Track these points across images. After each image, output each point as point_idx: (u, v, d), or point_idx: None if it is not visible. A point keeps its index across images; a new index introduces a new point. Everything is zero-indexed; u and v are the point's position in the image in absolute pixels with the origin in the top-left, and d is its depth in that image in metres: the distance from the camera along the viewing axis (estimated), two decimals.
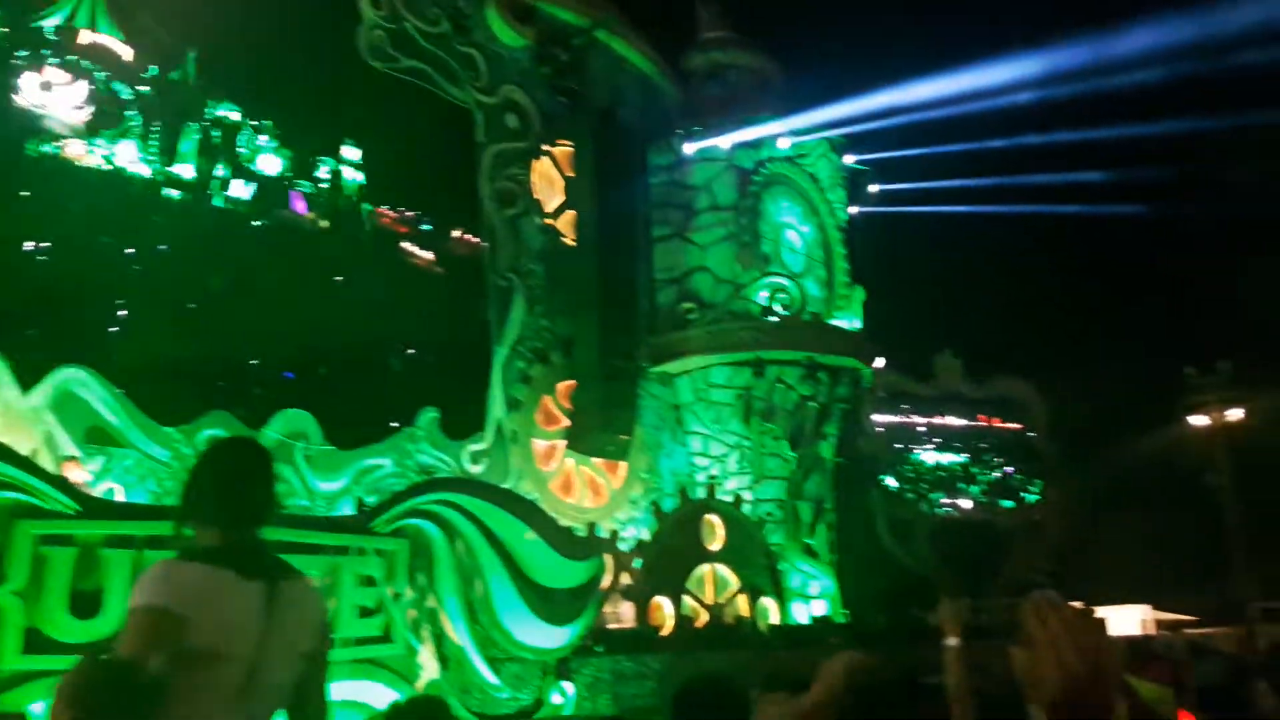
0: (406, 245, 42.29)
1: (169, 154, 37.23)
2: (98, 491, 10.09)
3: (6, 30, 33.79)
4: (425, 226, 43.33)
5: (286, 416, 12.85)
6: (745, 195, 19.65)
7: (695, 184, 19.96)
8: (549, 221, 17.72)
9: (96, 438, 10.87)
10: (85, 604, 7.07)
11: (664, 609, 14.72)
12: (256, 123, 40.97)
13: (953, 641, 2.76)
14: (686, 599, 14.93)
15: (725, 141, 19.94)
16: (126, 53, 38.13)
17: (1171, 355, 26.51)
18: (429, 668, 9.22)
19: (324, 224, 40.22)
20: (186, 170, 37.23)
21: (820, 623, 16.20)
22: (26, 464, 7.42)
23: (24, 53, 33.97)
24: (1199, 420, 26.34)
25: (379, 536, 9.26)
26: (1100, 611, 21.11)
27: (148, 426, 11.30)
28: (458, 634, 9.55)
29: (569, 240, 17.84)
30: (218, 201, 37.04)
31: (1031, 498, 20.15)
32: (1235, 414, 25.75)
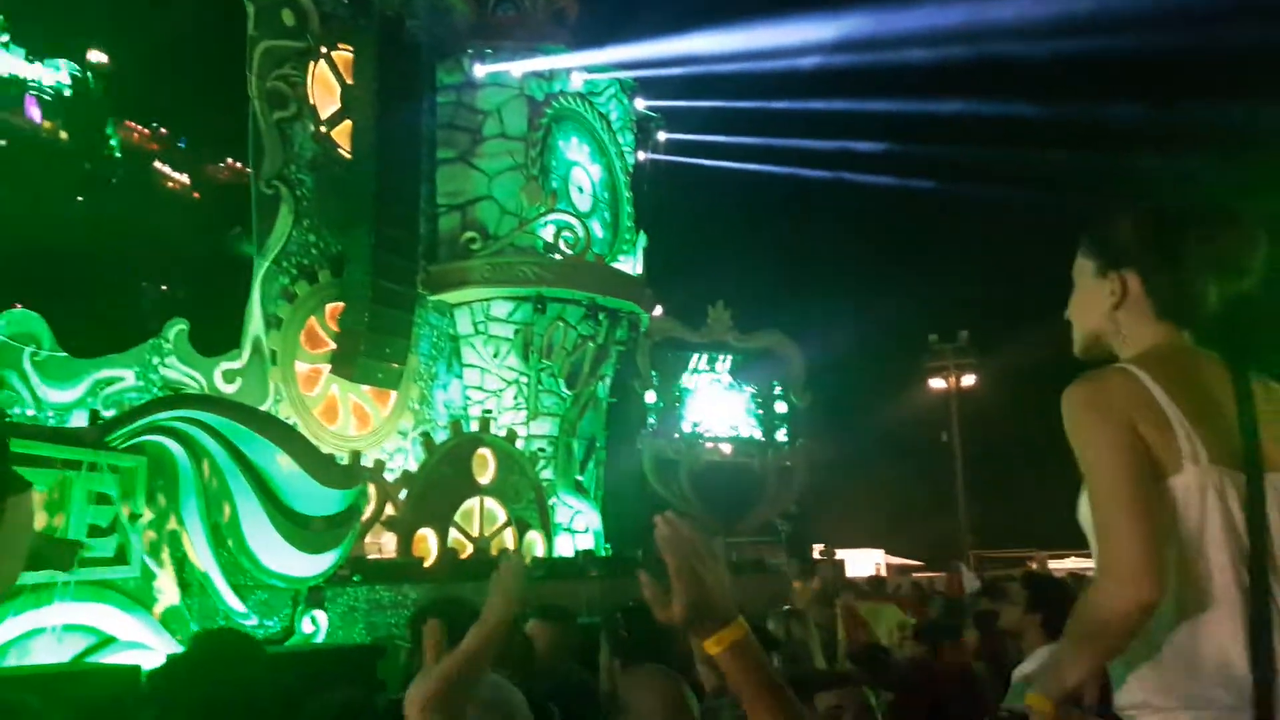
0: (159, 165, 38.45)
1: None
2: None
3: None
4: (181, 144, 39.47)
5: (12, 317, 11.45)
6: (535, 127, 19.26)
7: (484, 109, 19.36)
8: (323, 130, 16.69)
9: None
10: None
11: (428, 540, 14.44)
12: None
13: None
14: (452, 531, 14.72)
15: (517, 69, 19.42)
16: None
17: (922, 323, 28.84)
18: (168, 593, 8.58)
19: (63, 135, 35.78)
20: None
21: (584, 556, 16.45)
22: None
23: None
24: (937, 383, 28.91)
25: (114, 452, 8.45)
26: (840, 554, 22.79)
27: None
28: (201, 559, 8.93)
29: (344, 152, 16.87)
30: None
31: (784, 445, 21.26)
32: (967, 379, 28.45)
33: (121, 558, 8.28)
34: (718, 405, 21.00)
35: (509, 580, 2.19)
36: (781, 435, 21.20)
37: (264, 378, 14.83)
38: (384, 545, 14.15)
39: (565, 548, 17.20)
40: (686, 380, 20.98)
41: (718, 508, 18.72)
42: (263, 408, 14.05)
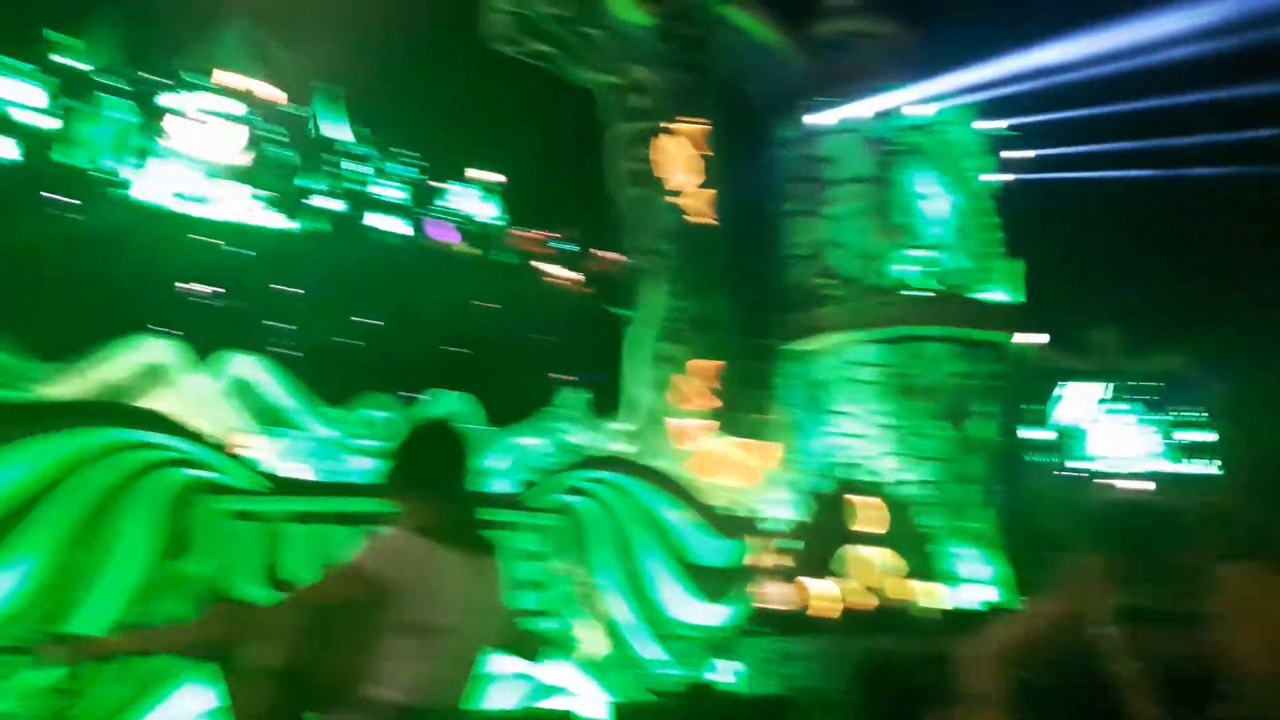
0: (545, 265, 42.43)
1: (311, 190, 38.07)
2: (271, 468, 10.41)
3: (156, 79, 35.30)
4: (565, 247, 43.48)
5: (443, 398, 13.06)
6: (880, 166, 19.07)
7: (827, 156, 19.47)
8: (680, 200, 17.55)
9: (269, 419, 11.25)
10: (272, 575, 7.25)
11: (812, 589, 14.43)
12: (394, 152, 41.57)
13: (1109, 629, 2.48)
14: (837, 580, 14.61)
15: (856, 112, 19.38)
16: (267, 91, 39.28)
17: None
18: (592, 642, 9.21)
19: (468, 249, 40.60)
20: (332, 204, 38.08)
21: (992, 609, 15.57)
22: (214, 444, 7.66)
23: (173, 97, 35.35)
24: None
25: (537, 512, 9.30)
26: None
27: (315, 407, 11.65)
28: (618, 610, 9.51)
29: (702, 218, 17.63)
30: (362, 230, 37.63)
31: (1209, 476, 18.98)
32: None
33: (548, 609, 8.98)
34: (1119, 437, 19.24)
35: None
36: (1201, 467, 18.96)
37: (648, 436, 15.72)
38: (772, 595, 14.30)
39: (961, 597, 16.36)
40: (1078, 411, 19.47)
41: (1134, 552, 16.97)
42: (652, 465, 14.93)
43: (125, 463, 7.30)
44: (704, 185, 17.73)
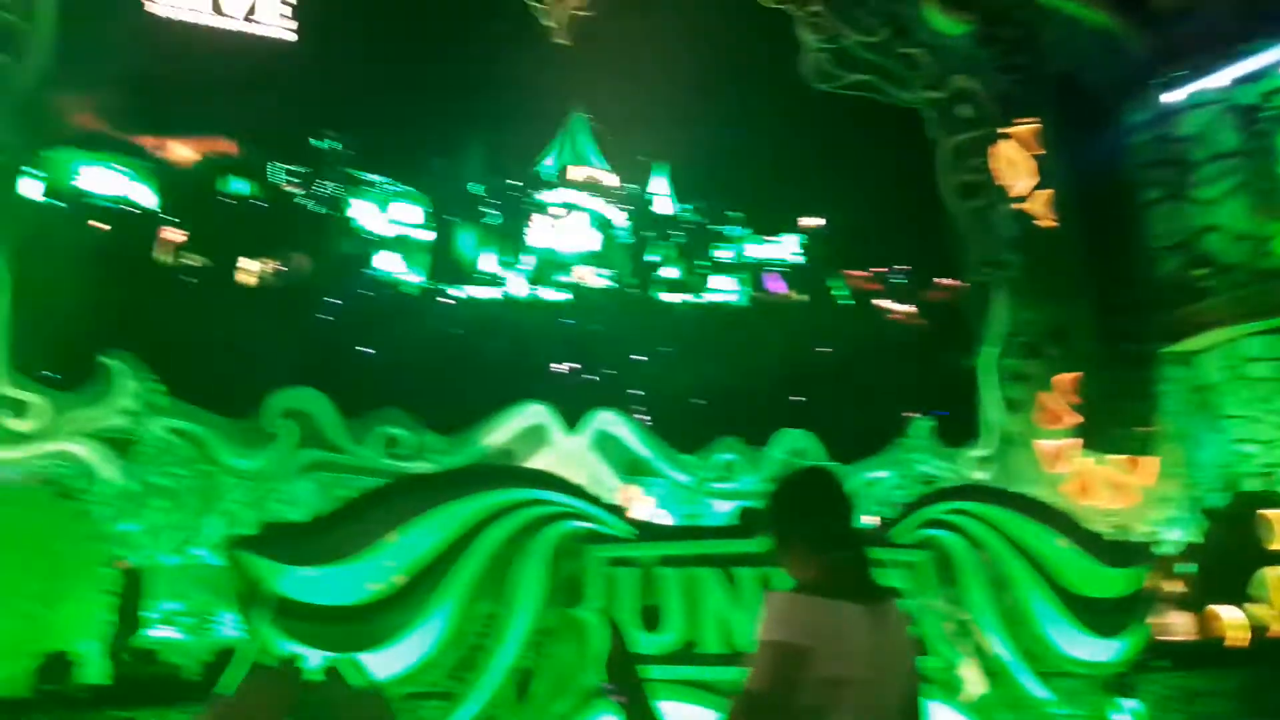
0: (881, 301, 41.74)
1: (654, 263, 40.31)
2: (642, 516, 11.18)
3: (518, 182, 39.21)
4: (898, 280, 42.42)
5: (788, 436, 13.31)
6: (1250, 136, 16.90)
7: (1188, 135, 17.57)
8: (1020, 206, 16.69)
9: (631, 469, 12.13)
10: (649, 618, 7.72)
11: (1223, 618, 12.88)
12: (724, 214, 43.05)
13: None
14: (1251, 606, 12.94)
15: (1216, 81, 17.36)
16: (610, 178, 42.26)
17: None
18: (972, 681, 8.87)
19: (802, 297, 41.04)
20: (671, 272, 40.06)
21: None
22: (591, 497, 8.36)
23: (532, 196, 39.05)
24: None
25: (901, 548, 9.15)
26: None
27: (671, 456, 12.37)
28: (997, 647, 9.09)
29: (1046, 222, 16.62)
30: (700, 296, 39.22)
31: None
32: None
33: (925, 648, 8.76)
34: None
35: None
36: None
37: (1010, 460, 14.96)
38: (1173, 625, 12.97)
39: None
40: None
41: None
42: (1019, 491, 14.19)
43: (518, 519, 8.16)
44: (1043, 186, 16.75)
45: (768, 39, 16.46)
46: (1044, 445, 15.32)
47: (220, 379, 12.44)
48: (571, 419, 12.12)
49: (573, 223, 38.55)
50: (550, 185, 39.76)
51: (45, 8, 11.21)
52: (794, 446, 13.51)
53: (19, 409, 9.85)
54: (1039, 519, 9.62)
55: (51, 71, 11.01)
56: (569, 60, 14.97)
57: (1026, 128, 17.09)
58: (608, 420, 12.27)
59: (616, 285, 37.13)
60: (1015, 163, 16.95)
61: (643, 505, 11.10)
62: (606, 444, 12.11)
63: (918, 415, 14.98)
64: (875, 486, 13.87)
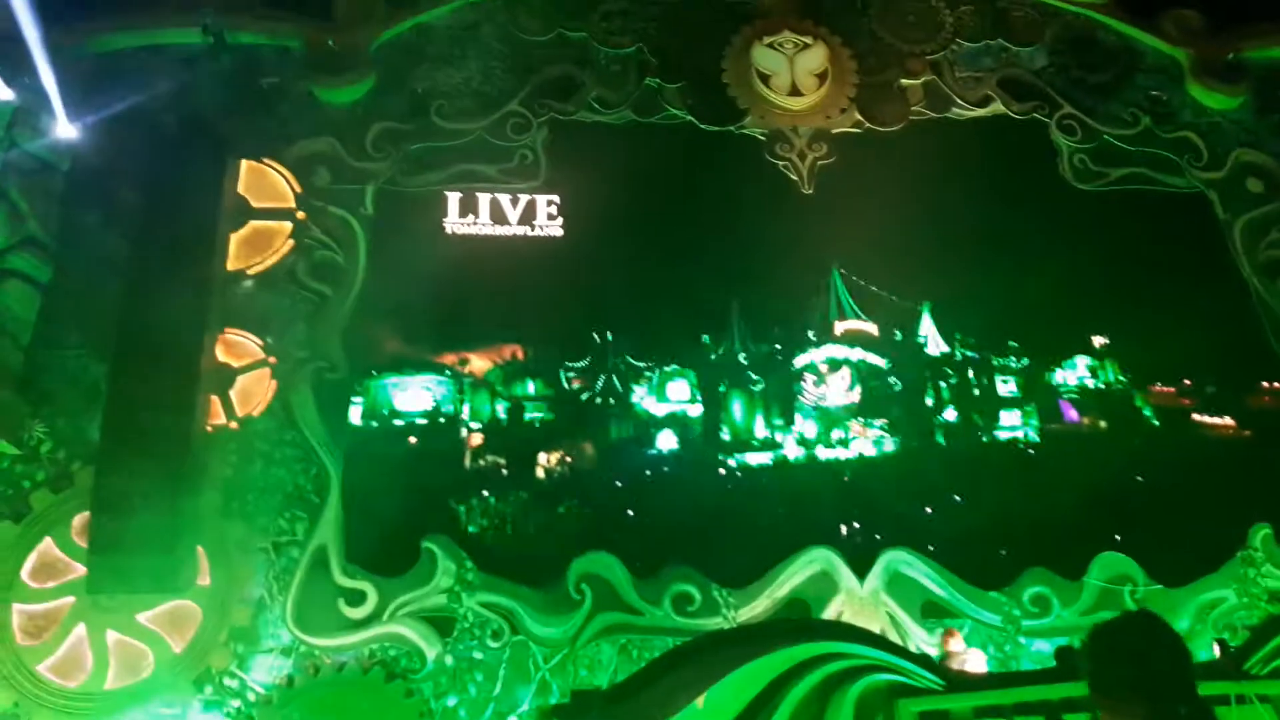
0: (1197, 416, 37.77)
1: (935, 408, 39.12)
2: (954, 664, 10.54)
3: (780, 345, 40.23)
4: (1209, 389, 38.29)
5: (1104, 561, 12.25)
6: None
7: None
8: None
9: (931, 612, 11.52)
10: None
11: None
12: (1003, 345, 41.36)
13: None
14: None
15: None
16: (873, 328, 42.37)
17: None
18: None
19: (1103, 424, 38.17)
20: (950, 415, 38.63)
21: None
22: (895, 648, 8.07)
23: (797, 358, 39.69)
24: None
25: (1258, 680, 8.07)
26: None
27: (973, 594, 11.66)
28: None
29: None
30: (987, 437, 37.33)
31: None
32: None
33: None
34: None
35: None
36: None
37: None
38: None
39: None
40: None
41: None
42: None
43: (820, 673, 7.98)
44: None
45: (1020, 153, 16.05)
46: None
47: (525, 556, 13.23)
48: (860, 562, 11.82)
49: (841, 379, 38.48)
50: (815, 344, 40.25)
51: (360, 242, 12.98)
52: (1114, 572, 12.38)
53: (353, 598, 10.92)
54: None
55: (367, 299, 12.64)
56: (820, 213, 15.23)
57: None
58: (899, 559, 11.83)
59: (894, 435, 36.15)
60: None
61: (967, 652, 10.48)
62: (900, 586, 11.64)
63: (1258, 523, 13.34)
64: (1215, 609, 12.37)
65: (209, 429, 11.05)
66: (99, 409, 10.51)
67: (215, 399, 11.33)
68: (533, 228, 14.68)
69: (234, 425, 11.32)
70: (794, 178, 14.57)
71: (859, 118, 15.06)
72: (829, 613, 11.31)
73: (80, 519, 10.23)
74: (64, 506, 10.47)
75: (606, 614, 10.99)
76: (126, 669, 10.05)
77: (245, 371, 11.70)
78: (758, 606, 11.33)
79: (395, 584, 11.09)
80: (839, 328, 42.82)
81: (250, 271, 12.34)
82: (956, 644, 10.49)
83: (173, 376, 10.52)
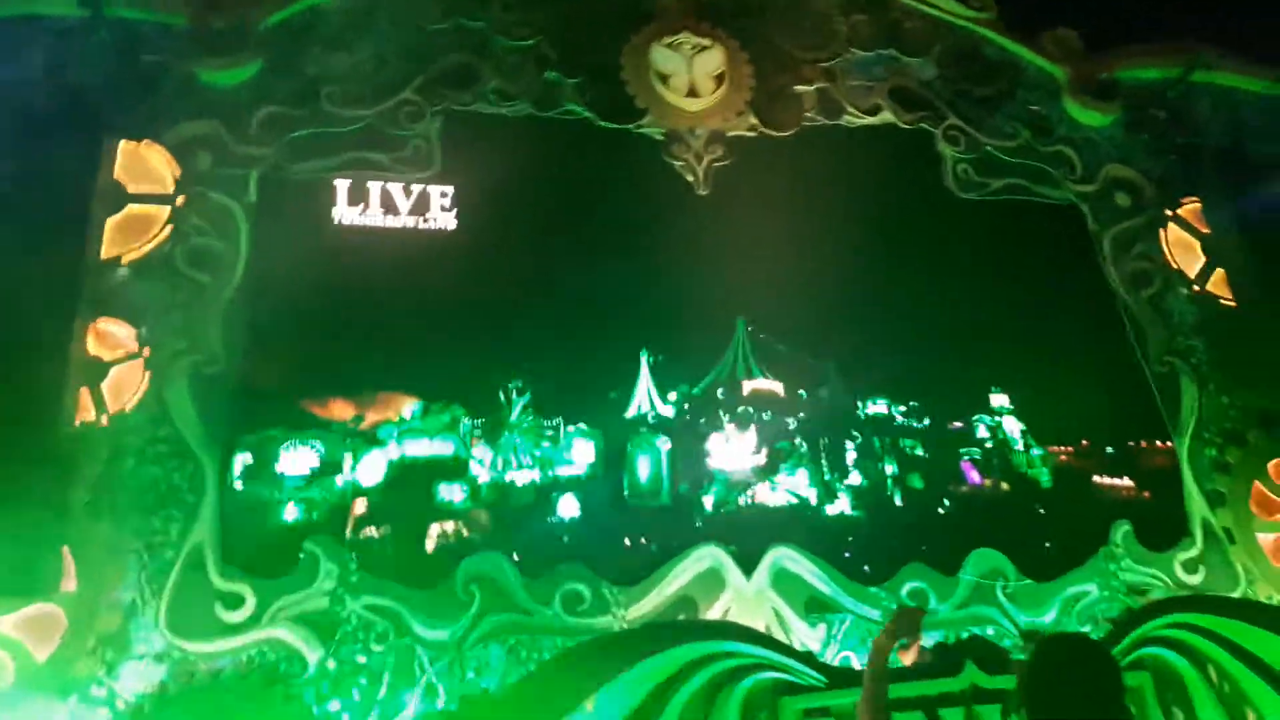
0: (1098, 479, 38.13)
1: (839, 469, 38.75)
2: (829, 659, 10.82)
3: (686, 406, 39.67)
4: (1109, 450, 38.34)
5: (979, 556, 12.77)
6: None
7: None
8: (1196, 289, 15.84)
9: (815, 607, 11.80)
10: None
11: None
12: (904, 407, 41.29)
13: None
14: None
15: None
16: (779, 387, 41.98)
17: None
18: None
19: (1004, 486, 38.26)
20: (855, 479, 38.22)
21: None
22: (781, 646, 8.24)
23: (703, 420, 39.08)
24: None
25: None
26: None
27: (855, 590, 11.99)
28: None
29: (1226, 301, 15.69)
30: (898, 498, 36.78)
31: None
32: None
33: None
34: None
35: None
36: None
37: (1226, 560, 13.78)
38: None
39: None
40: None
41: None
42: (1235, 593, 13.16)
43: (708, 673, 8.11)
44: (1221, 266, 15.89)
45: (907, 161, 16.51)
46: (1265, 539, 14.06)
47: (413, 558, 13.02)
48: (747, 557, 12.02)
49: (748, 440, 38.07)
50: (721, 404, 39.82)
51: (243, 229, 12.53)
52: (986, 567, 12.91)
53: (230, 601, 10.57)
54: (1269, 627, 8.78)
55: (248, 289, 12.20)
56: (715, 215, 15.33)
57: (1190, 207, 16.38)
58: (785, 555, 12.08)
59: (799, 499, 35.87)
60: (1185, 245, 16.20)
61: (821, 646, 10.78)
62: (785, 582, 11.88)
63: (1118, 520, 14.08)
64: (1079, 602, 13.03)
65: (77, 423, 10.50)
66: None
67: (85, 391, 10.77)
68: (425, 219, 14.39)
69: (104, 420, 10.79)
70: (690, 179, 14.69)
71: (754, 121, 15.27)
72: (716, 610, 11.46)
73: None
74: None
75: (495, 615, 10.89)
76: None
77: (118, 364, 11.16)
78: (646, 604, 11.39)
79: (275, 585, 10.76)
80: (746, 387, 42.71)
81: (125, 259, 11.76)
82: (798, 637, 10.84)
83: (39, 368, 10.01)
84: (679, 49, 15.10)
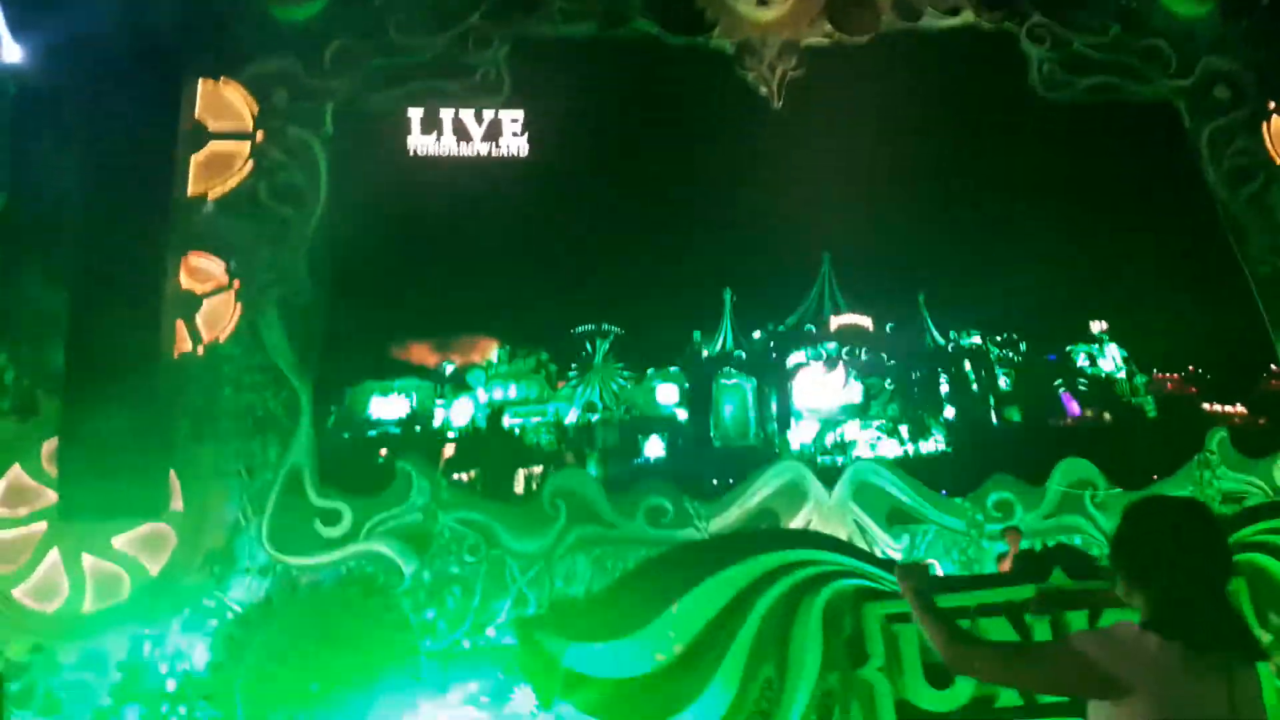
0: (1205, 404, 35.48)
1: (931, 405, 37.14)
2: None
3: (772, 344, 38.05)
4: (1210, 375, 35.41)
5: (1067, 466, 12.55)
6: None
7: None
8: None
9: (897, 518, 11.78)
10: (938, 675, 7.44)
11: None
12: (999, 338, 39.13)
13: None
14: None
15: None
16: (867, 322, 40.18)
17: None
18: None
19: (1106, 417, 36.03)
20: (950, 411, 36.59)
21: None
22: (862, 553, 8.26)
23: (790, 357, 37.54)
24: None
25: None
26: None
27: (939, 501, 11.92)
28: None
29: None
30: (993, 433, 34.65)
31: None
32: None
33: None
34: None
35: None
36: None
37: None
38: None
39: None
40: None
41: None
42: None
43: (790, 581, 8.16)
44: None
45: (989, 64, 15.88)
46: None
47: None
48: (829, 481, 12.03)
49: (836, 377, 36.56)
50: (810, 340, 38.39)
51: (321, 162, 12.74)
52: (1076, 477, 12.68)
53: (328, 517, 11.00)
54: None
55: (330, 221, 12.46)
56: (790, 130, 15.02)
57: None
58: (866, 468, 12.04)
59: (891, 436, 34.40)
60: None
61: (906, 555, 10.78)
62: (867, 494, 11.86)
63: (1215, 427, 13.67)
64: None
65: (175, 355, 10.95)
66: (62, 337, 10.35)
67: (181, 324, 11.21)
68: (498, 145, 14.44)
69: (200, 351, 11.23)
70: (764, 91, 14.38)
71: (829, 28, 14.81)
72: (797, 521, 11.54)
73: (49, 446, 10.18)
74: (32, 434, 10.41)
75: (581, 527, 11.15)
76: (103, 592, 10.12)
77: (210, 296, 11.57)
78: (729, 517, 11.53)
79: (371, 503, 11.18)
80: (834, 323, 40.77)
81: (211, 195, 12.10)
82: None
83: (136, 302, 10.40)
84: None
